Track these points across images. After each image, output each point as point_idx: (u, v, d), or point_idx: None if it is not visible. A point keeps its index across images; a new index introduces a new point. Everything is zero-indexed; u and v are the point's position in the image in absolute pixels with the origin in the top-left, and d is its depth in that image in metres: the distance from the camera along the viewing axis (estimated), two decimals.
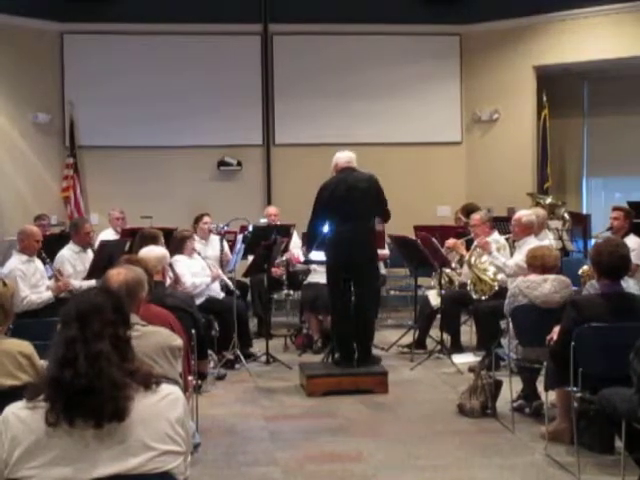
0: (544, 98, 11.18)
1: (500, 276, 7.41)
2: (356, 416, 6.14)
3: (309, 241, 7.31)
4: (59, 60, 11.07)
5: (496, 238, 7.78)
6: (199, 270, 7.70)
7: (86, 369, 2.31)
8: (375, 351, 7.70)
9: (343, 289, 6.94)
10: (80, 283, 7.20)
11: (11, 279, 6.23)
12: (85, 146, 11.12)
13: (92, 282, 6.97)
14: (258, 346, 8.06)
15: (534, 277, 5.70)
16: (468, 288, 7.62)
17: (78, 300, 2.49)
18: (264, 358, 7.77)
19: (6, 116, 10.73)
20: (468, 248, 7.92)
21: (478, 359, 7.31)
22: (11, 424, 2.33)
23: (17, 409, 2.36)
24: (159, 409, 2.39)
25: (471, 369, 7.02)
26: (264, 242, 7.85)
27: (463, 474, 4.89)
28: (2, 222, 10.24)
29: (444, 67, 11.59)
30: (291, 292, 8.94)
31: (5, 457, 2.31)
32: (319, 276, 8.14)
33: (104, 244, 7.96)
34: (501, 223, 8.73)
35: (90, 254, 7.70)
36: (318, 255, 7.48)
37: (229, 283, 7.86)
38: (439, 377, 7.27)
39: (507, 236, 7.86)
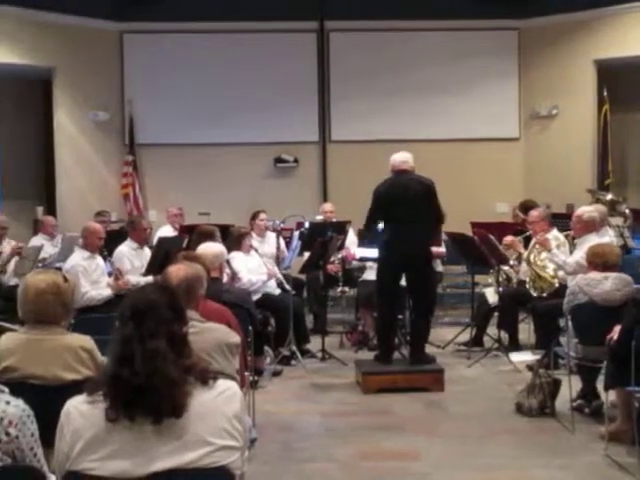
0: (605, 93, 10.97)
1: (560, 273, 7.31)
2: (412, 414, 6.12)
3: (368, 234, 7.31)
4: (119, 59, 11.24)
5: (556, 235, 7.67)
6: (255, 267, 7.73)
7: (143, 367, 2.33)
8: (431, 349, 7.68)
9: (390, 289, 6.96)
10: (138, 279, 7.27)
11: (73, 275, 6.35)
12: (144, 144, 11.27)
13: (149, 278, 7.04)
14: (314, 343, 8.07)
15: (594, 275, 5.61)
16: (527, 285, 7.53)
17: (134, 298, 2.51)
18: (320, 355, 7.78)
19: (67, 114, 10.94)
20: (526, 245, 7.82)
21: (536, 357, 7.22)
22: (73, 418, 2.37)
23: (78, 403, 2.40)
24: (216, 404, 2.41)
25: (529, 367, 6.94)
26: (320, 239, 7.86)
27: (520, 474, 4.84)
28: (64, 218, 10.43)
29: (502, 62, 11.47)
30: (347, 289, 8.92)
31: (67, 450, 2.35)
32: (375, 273, 8.12)
33: (162, 240, 8.05)
34: (560, 220, 8.59)
35: (147, 251, 7.78)
36: (373, 252, 7.49)
37: (284, 282, 7.89)
38: (496, 375, 7.20)
39: (566, 233, 7.74)
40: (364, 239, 7.25)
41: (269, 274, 7.72)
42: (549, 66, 11.27)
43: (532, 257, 7.55)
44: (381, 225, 7.12)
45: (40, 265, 7.92)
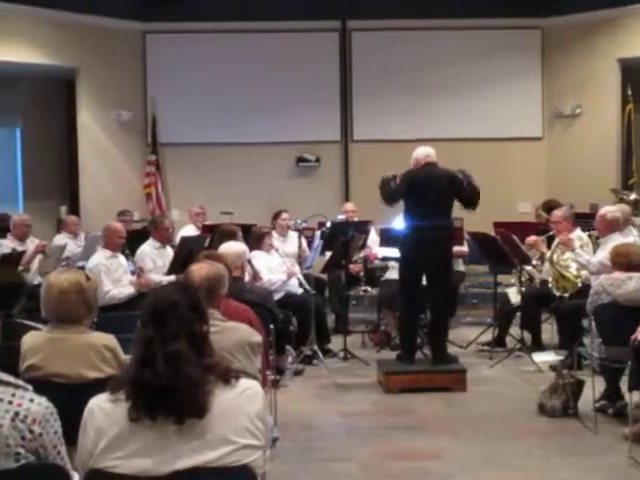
0: (629, 91, 10.90)
1: (583, 273, 7.26)
2: (434, 414, 6.11)
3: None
4: (141, 59, 11.29)
5: (579, 235, 7.62)
6: (276, 266, 7.73)
7: (164, 369, 2.34)
8: (453, 349, 7.66)
9: (412, 289, 6.95)
10: (161, 278, 7.30)
11: (95, 274, 6.39)
12: (166, 143, 11.32)
13: (172, 277, 7.08)
14: (336, 342, 8.06)
15: (618, 275, 5.57)
16: (550, 285, 7.48)
17: (155, 298, 2.51)
18: (342, 354, 7.78)
19: (91, 114, 11.00)
20: (549, 245, 7.78)
21: (559, 358, 7.18)
22: (96, 416, 2.38)
23: (101, 401, 2.41)
24: (238, 403, 2.41)
25: (552, 368, 6.90)
26: (342, 238, 7.85)
27: (543, 474, 4.82)
28: (87, 217, 10.50)
29: (525, 61, 11.43)
30: (369, 288, 8.91)
31: (90, 448, 2.37)
32: (397, 273, 8.10)
33: (185, 240, 8.07)
34: (583, 220, 8.53)
35: (169, 250, 7.82)
36: (395, 252, 7.48)
37: (304, 282, 7.89)
38: (519, 376, 7.17)
39: (590, 233, 7.68)
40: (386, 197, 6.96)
41: (288, 273, 7.72)
42: (572, 65, 11.20)
43: (555, 257, 7.50)
44: (401, 224, 7.11)
45: (63, 264, 7.98)
